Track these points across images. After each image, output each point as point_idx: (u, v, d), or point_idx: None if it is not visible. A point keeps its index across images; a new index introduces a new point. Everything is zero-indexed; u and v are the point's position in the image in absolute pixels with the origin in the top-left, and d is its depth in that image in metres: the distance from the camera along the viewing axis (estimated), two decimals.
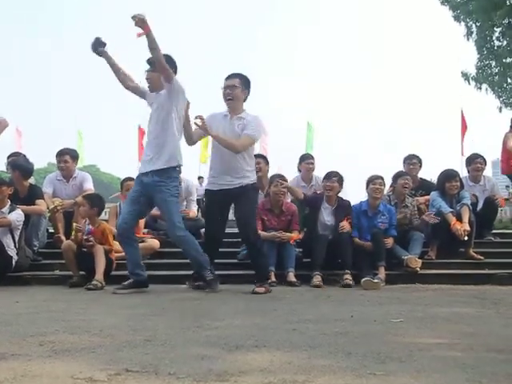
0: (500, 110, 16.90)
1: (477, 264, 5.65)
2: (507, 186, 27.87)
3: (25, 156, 6.64)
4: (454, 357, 2.22)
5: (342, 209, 5.47)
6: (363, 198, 5.72)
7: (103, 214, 5.63)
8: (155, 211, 6.26)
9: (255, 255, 4.71)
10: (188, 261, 5.74)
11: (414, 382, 1.89)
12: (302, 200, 5.60)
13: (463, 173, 7.01)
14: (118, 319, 3.21)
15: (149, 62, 4.54)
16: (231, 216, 4.99)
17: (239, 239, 5.37)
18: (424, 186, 6.54)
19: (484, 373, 1.97)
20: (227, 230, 5.05)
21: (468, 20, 16.37)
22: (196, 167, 23.30)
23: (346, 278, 4.99)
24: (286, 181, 5.62)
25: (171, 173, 4.50)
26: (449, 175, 5.91)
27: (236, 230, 4.97)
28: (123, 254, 5.00)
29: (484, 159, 6.81)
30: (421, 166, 6.70)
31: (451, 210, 5.67)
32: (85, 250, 5.01)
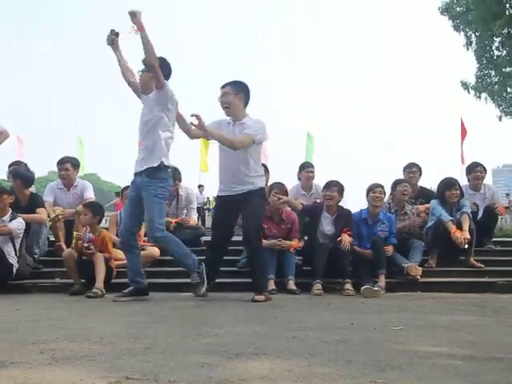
0: (500, 119, 16.97)
1: (477, 272, 5.65)
2: (507, 194, 28.00)
3: (26, 165, 6.67)
4: (454, 365, 2.22)
5: (343, 218, 5.45)
6: (363, 206, 5.73)
7: (103, 221, 5.64)
8: None
9: (255, 263, 4.70)
10: None
11: None
12: (301, 211, 5.58)
13: (463, 181, 7.03)
14: (118, 327, 3.21)
15: (144, 62, 4.52)
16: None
17: (240, 247, 5.37)
18: (424, 195, 6.55)
19: (484, 381, 1.97)
20: None
21: (467, 30, 16.48)
22: (196, 175, 23.36)
23: (348, 289, 4.98)
24: (286, 189, 5.62)
25: (159, 173, 4.48)
26: (449, 183, 5.92)
27: (237, 238, 4.98)
28: (123, 261, 5.01)
29: (484, 168, 6.83)
30: (421, 175, 6.73)
31: (451, 218, 5.67)
32: (85, 258, 5.02)
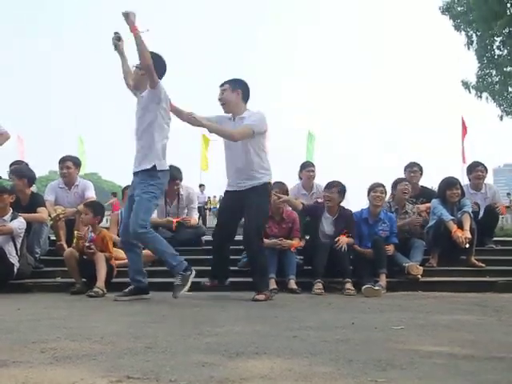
0: (501, 119, 16.96)
1: (478, 271, 5.65)
2: (508, 194, 27.98)
3: (27, 164, 6.67)
4: (455, 364, 2.21)
5: (343, 219, 5.44)
6: (364, 205, 5.73)
7: (104, 221, 5.64)
8: (156, 219, 6.30)
9: (256, 262, 4.69)
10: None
11: None
12: (302, 210, 5.58)
13: (464, 181, 7.02)
14: (119, 326, 3.21)
15: (138, 64, 4.49)
16: None
17: (241, 247, 5.37)
18: (425, 194, 6.56)
19: (485, 380, 1.97)
20: None
21: (468, 29, 16.47)
22: (197, 175, 23.37)
23: (348, 288, 4.98)
24: (287, 189, 5.63)
25: (153, 173, 4.44)
26: (449, 183, 5.91)
27: (238, 238, 4.98)
28: (124, 261, 5.02)
29: (485, 167, 6.83)
30: (422, 174, 6.73)
31: (452, 217, 5.67)
32: (85, 257, 5.02)
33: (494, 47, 16.42)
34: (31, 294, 5.02)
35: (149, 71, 4.35)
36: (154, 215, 6.13)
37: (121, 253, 5.17)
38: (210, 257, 5.99)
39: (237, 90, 4.69)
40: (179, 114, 4.72)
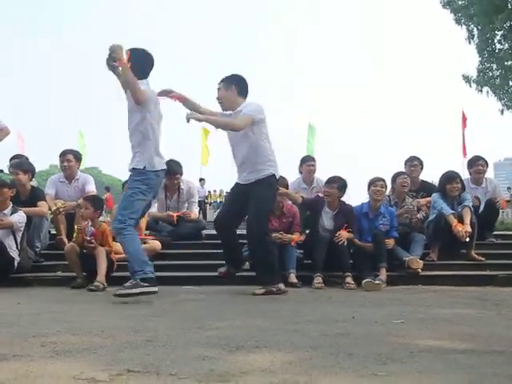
0: (502, 113, 16.92)
1: (478, 265, 5.65)
2: (509, 188, 27.97)
3: (27, 158, 6.66)
4: (455, 358, 2.22)
5: (343, 214, 5.43)
6: (364, 200, 5.72)
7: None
8: (156, 213, 6.30)
9: (257, 257, 4.69)
10: (190, 262, 5.78)
11: (415, 383, 1.89)
12: (301, 204, 5.57)
13: (465, 175, 7.02)
14: (119, 320, 3.21)
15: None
16: None
17: (244, 241, 5.37)
18: (425, 188, 6.55)
19: (485, 374, 1.97)
20: None
21: (469, 23, 16.39)
22: (197, 169, 23.36)
23: (348, 282, 4.99)
24: (287, 183, 5.63)
25: (142, 171, 4.36)
26: (450, 177, 5.91)
27: (240, 232, 4.98)
28: (124, 255, 5.01)
29: (486, 161, 6.81)
30: (422, 168, 6.72)
31: (452, 211, 5.66)
32: (85, 251, 5.03)
33: (495, 41, 16.36)
34: (31, 288, 5.03)
35: (135, 97, 4.29)
36: (154, 209, 6.14)
37: (120, 247, 5.16)
38: (210, 251, 6.03)
39: (231, 87, 4.68)
40: (188, 104, 4.72)
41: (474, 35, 16.49)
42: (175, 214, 6.28)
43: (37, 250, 5.66)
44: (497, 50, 16.38)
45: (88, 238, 5.02)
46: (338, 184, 5.43)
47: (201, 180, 22.40)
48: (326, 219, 5.46)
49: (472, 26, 16.40)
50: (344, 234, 5.23)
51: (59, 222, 5.99)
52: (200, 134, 21.91)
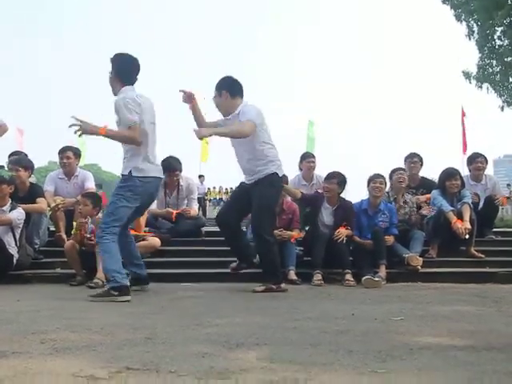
0: (502, 109, 16.90)
1: (478, 262, 5.65)
2: (508, 185, 27.97)
3: (26, 155, 6.65)
4: (454, 355, 2.22)
5: (343, 210, 5.43)
6: (364, 197, 5.72)
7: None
8: (155, 210, 6.29)
9: (260, 253, 4.71)
10: (190, 259, 5.78)
11: (415, 380, 1.89)
12: (301, 199, 5.57)
13: (464, 172, 7.01)
14: (119, 317, 3.21)
15: (111, 60, 4.38)
16: None
17: None
18: (425, 185, 6.55)
19: (485, 371, 1.97)
20: None
21: (469, 19, 16.35)
22: (197, 166, 23.34)
23: (348, 279, 4.99)
24: (287, 180, 5.62)
25: (128, 178, 4.30)
26: (449, 174, 5.90)
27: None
28: None
29: (485, 158, 6.80)
30: (422, 165, 6.71)
31: (452, 208, 5.66)
32: (84, 248, 5.02)
33: (495, 37, 16.32)
34: (30, 285, 5.02)
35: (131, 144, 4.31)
36: (154, 206, 6.12)
37: None
38: (210, 248, 6.04)
39: (222, 93, 4.68)
40: (197, 115, 4.77)
41: (473, 31, 16.46)
42: (174, 212, 6.28)
43: (36, 246, 5.65)
44: (497, 46, 16.34)
45: (88, 236, 5.02)
46: (338, 179, 5.43)
47: (200, 177, 22.37)
48: (326, 215, 5.46)
49: (472, 22, 16.36)
50: (343, 232, 5.23)
51: (58, 218, 5.98)
52: None
